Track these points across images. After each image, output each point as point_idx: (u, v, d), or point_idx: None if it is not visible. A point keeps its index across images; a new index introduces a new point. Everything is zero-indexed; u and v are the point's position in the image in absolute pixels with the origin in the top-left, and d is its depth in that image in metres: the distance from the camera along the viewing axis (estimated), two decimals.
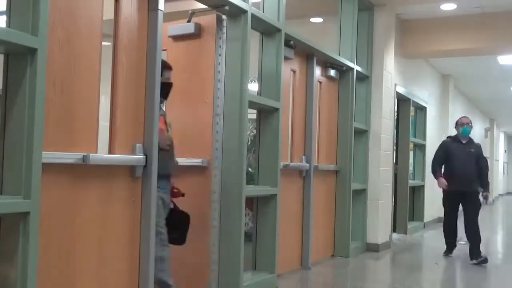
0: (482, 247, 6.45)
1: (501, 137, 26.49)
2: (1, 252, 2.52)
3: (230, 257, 4.21)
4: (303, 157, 5.63)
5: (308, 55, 5.72)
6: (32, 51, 2.52)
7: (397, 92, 8.06)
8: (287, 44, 5.03)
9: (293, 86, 5.53)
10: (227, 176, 4.23)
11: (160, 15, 3.45)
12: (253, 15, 4.34)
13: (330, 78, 6.27)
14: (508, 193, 28.41)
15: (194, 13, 4.36)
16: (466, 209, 6.64)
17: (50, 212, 2.77)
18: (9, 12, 2.56)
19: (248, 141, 5.14)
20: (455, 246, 6.94)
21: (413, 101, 9.16)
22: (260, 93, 4.88)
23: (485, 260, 6.31)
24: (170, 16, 4.10)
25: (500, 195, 25.49)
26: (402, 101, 8.83)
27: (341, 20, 6.63)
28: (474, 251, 6.42)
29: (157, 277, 3.47)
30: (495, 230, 11.49)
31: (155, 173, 3.40)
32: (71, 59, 2.92)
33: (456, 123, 6.94)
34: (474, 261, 6.32)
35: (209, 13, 4.29)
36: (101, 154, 3.14)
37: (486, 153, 21.92)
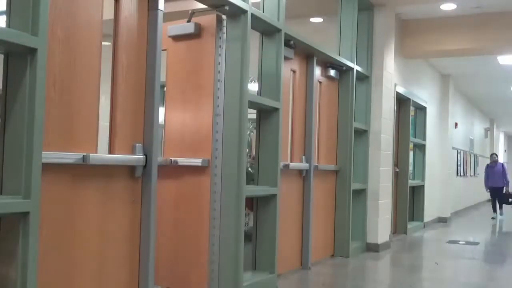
0: (483, 247, 6.42)
1: (501, 137, 26.49)
2: (1, 252, 2.52)
3: (230, 257, 4.21)
4: (303, 157, 5.63)
5: (308, 55, 5.72)
6: (32, 51, 2.52)
7: (397, 92, 8.06)
8: (287, 44, 5.03)
9: (293, 86, 5.53)
10: (227, 176, 4.23)
11: (160, 15, 3.45)
12: (253, 15, 4.34)
13: (330, 78, 6.28)
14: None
15: (194, 13, 4.35)
16: None
17: (50, 212, 2.77)
18: (9, 12, 2.56)
19: (249, 141, 5.14)
20: None
21: (413, 101, 9.16)
22: (260, 93, 4.88)
23: None
24: (170, 16, 4.10)
25: None
26: (402, 101, 8.83)
27: (341, 20, 6.63)
28: None
29: None
30: (495, 230, 11.49)
31: (155, 172, 3.40)
32: (71, 59, 2.92)
33: None
34: None
35: (209, 13, 4.29)
36: (101, 154, 3.15)
37: (486, 153, 21.69)
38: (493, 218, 12.64)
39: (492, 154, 13.56)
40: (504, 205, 13.06)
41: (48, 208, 2.74)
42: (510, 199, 12.87)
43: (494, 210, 12.86)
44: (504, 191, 12.85)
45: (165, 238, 4.27)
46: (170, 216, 4.34)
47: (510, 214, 16.53)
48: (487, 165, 13.18)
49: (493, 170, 12.86)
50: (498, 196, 12.81)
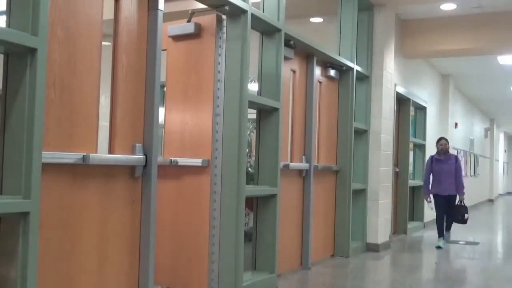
0: (483, 247, 6.40)
1: (501, 137, 26.50)
2: (1, 252, 2.52)
3: (230, 257, 4.21)
4: (303, 157, 5.63)
5: (308, 55, 5.72)
6: (32, 51, 2.52)
7: (397, 92, 8.07)
8: (287, 44, 5.03)
9: (293, 86, 5.53)
10: (227, 176, 4.23)
11: (160, 15, 3.45)
12: (253, 15, 4.34)
13: (330, 78, 6.28)
14: (508, 193, 28.40)
15: (194, 13, 4.36)
16: None
17: (50, 212, 2.78)
18: (9, 12, 2.56)
19: (249, 141, 5.14)
20: None
21: (413, 101, 9.17)
22: (260, 93, 4.88)
23: None
24: (170, 16, 4.10)
25: (500, 195, 25.48)
26: (402, 101, 8.84)
27: (341, 20, 6.63)
28: None
29: None
30: (495, 230, 11.50)
31: (155, 172, 3.40)
32: (71, 59, 2.92)
33: None
34: None
35: (209, 13, 4.29)
36: (101, 154, 3.15)
37: (486, 153, 21.46)
38: (438, 247, 7.49)
39: (440, 139, 7.90)
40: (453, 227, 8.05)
41: (48, 208, 2.74)
42: (466, 215, 7.66)
43: (441, 232, 7.67)
44: (457, 201, 7.74)
45: (165, 238, 4.27)
46: (170, 216, 4.34)
47: (510, 214, 16.47)
48: (431, 157, 7.84)
49: (442, 168, 7.65)
50: (447, 210, 7.68)
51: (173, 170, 4.31)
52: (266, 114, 4.87)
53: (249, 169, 5.81)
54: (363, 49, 6.89)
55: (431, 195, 7.72)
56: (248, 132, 5.78)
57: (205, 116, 4.31)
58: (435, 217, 7.88)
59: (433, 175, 7.76)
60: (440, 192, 7.63)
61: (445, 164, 7.67)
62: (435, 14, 7.90)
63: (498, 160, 24.60)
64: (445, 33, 8.09)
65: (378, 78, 7.02)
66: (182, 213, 4.32)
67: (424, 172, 7.94)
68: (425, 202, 8.02)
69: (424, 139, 10.07)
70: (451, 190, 7.62)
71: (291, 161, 5.44)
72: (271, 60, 4.85)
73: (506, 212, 17.13)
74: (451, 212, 7.68)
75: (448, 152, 7.76)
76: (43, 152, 2.57)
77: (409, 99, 8.93)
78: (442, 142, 7.78)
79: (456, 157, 7.82)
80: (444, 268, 6.36)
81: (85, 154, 2.92)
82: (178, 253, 4.33)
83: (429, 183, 7.76)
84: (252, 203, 5.05)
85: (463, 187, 7.69)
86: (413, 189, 9.75)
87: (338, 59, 6.18)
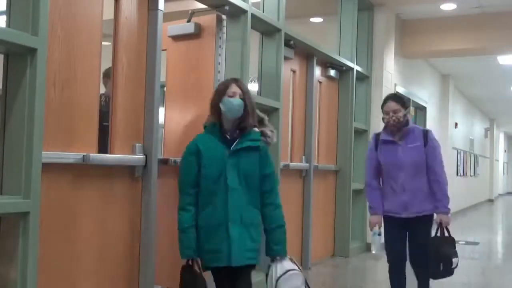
0: (483, 247, 6.41)
1: (501, 137, 26.51)
2: (1, 252, 2.52)
3: None
4: (303, 157, 5.62)
5: (308, 55, 5.72)
6: (32, 51, 2.51)
7: (397, 92, 8.06)
8: (287, 44, 5.03)
9: (293, 86, 5.53)
10: None
11: (160, 15, 3.45)
12: (253, 15, 4.34)
13: (330, 78, 6.27)
14: (508, 193, 28.41)
15: (194, 13, 4.35)
16: None
17: (50, 212, 2.77)
18: (9, 12, 2.56)
19: None
20: None
21: (413, 101, 9.16)
22: (260, 93, 4.88)
23: None
24: (170, 16, 4.10)
25: (500, 195, 25.49)
26: None
27: (341, 20, 6.63)
28: None
29: None
30: (495, 230, 11.50)
31: (155, 172, 3.40)
32: (71, 59, 2.92)
33: None
34: None
35: (209, 13, 4.29)
36: (101, 154, 3.14)
37: (486, 153, 21.39)
38: None
39: (386, 100, 3.64)
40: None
41: (48, 208, 2.74)
42: (455, 259, 3.52)
43: None
44: (437, 229, 3.61)
45: (165, 238, 4.26)
46: (170, 216, 4.32)
47: (510, 214, 16.46)
48: (375, 137, 3.74)
49: (396, 157, 3.57)
50: (413, 249, 3.62)
51: (173, 170, 4.30)
52: (266, 114, 4.85)
53: None
54: (363, 49, 6.89)
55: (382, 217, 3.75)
56: None
57: (205, 116, 4.29)
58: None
59: (384, 175, 3.75)
60: (393, 211, 3.67)
61: (403, 149, 3.63)
62: (435, 14, 7.89)
63: (498, 160, 24.61)
64: (445, 33, 8.08)
65: (378, 78, 7.02)
66: None
67: (367, 174, 3.82)
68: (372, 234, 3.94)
69: None
70: (416, 205, 3.61)
71: (291, 161, 5.44)
72: (271, 60, 4.85)
73: (506, 212, 17.13)
74: (420, 253, 3.57)
75: (408, 124, 3.65)
76: (43, 152, 2.57)
77: (409, 99, 8.93)
78: (388, 106, 3.63)
79: (426, 134, 3.69)
80: None
81: (85, 154, 2.92)
82: (178, 253, 4.31)
83: (376, 190, 3.77)
84: None
85: (446, 196, 3.67)
86: None
87: (338, 59, 6.18)
